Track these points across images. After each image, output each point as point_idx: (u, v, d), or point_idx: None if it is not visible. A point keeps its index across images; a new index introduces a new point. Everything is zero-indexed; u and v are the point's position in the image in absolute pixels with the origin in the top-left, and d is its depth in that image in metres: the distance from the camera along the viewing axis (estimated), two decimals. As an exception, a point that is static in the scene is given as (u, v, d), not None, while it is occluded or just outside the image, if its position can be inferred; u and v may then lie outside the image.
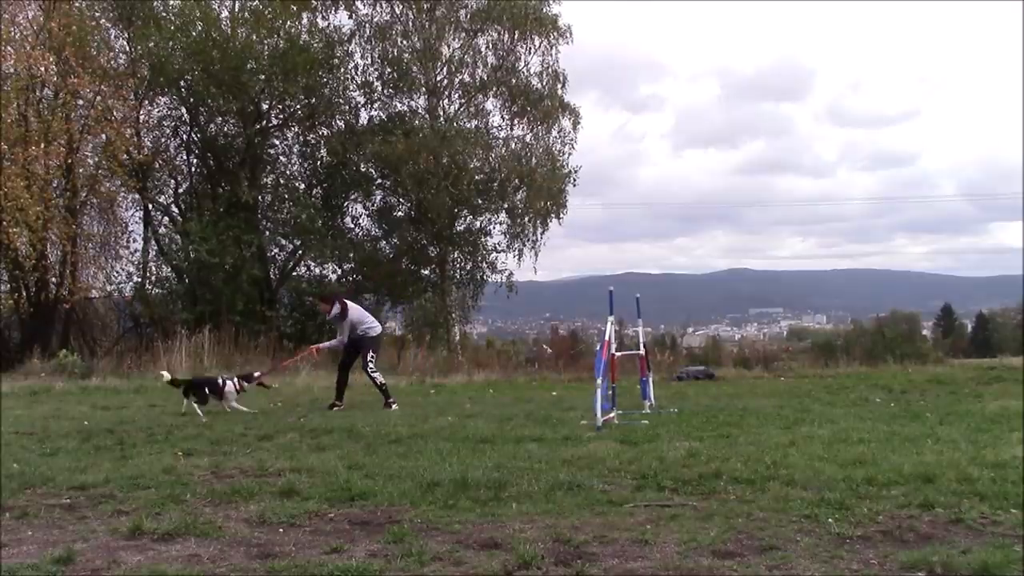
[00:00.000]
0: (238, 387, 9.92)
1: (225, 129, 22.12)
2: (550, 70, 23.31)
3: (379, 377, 10.47)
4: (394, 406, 10.14)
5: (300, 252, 22.77)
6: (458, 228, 23.23)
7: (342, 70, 22.20)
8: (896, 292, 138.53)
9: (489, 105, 23.77)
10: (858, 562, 3.63)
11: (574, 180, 23.34)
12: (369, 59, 22.89)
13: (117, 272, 21.42)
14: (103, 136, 19.25)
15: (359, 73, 22.77)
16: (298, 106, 21.93)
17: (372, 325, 10.69)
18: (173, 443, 7.15)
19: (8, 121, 17.55)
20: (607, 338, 9.10)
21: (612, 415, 8.61)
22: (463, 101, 23.75)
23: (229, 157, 21.86)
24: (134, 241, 21.58)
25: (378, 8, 23.10)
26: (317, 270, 23.11)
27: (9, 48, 18.06)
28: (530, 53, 23.24)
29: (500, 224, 23.53)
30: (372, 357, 10.48)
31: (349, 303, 10.70)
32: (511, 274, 23.89)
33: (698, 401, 10.98)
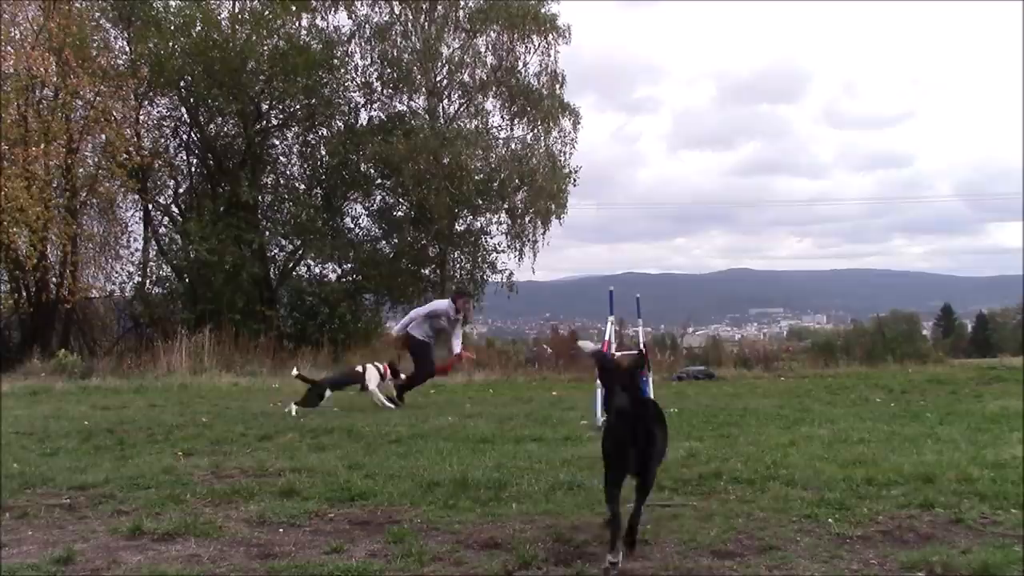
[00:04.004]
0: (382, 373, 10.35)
1: (225, 129, 22.15)
2: (549, 70, 23.43)
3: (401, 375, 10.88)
4: (396, 406, 10.25)
5: (300, 252, 22.79)
6: (458, 228, 23.24)
7: (342, 70, 22.23)
8: (896, 292, 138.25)
9: (489, 105, 23.84)
10: (858, 562, 3.63)
11: (574, 180, 23.42)
12: (369, 59, 22.99)
13: (117, 272, 21.47)
14: (103, 136, 19.24)
15: (359, 73, 22.87)
16: (298, 106, 21.94)
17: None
18: (173, 443, 7.14)
19: (8, 121, 17.54)
20: (607, 338, 9.10)
21: (612, 415, 8.59)
22: (463, 101, 23.77)
23: (229, 157, 21.89)
24: (134, 241, 21.64)
25: (377, 8, 23.18)
26: (317, 270, 23.19)
27: (9, 48, 18.04)
28: (529, 53, 23.36)
29: (500, 224, 23.59)
30: None
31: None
32: (511, 274, 23.95)
33: (698, 401, 10.98)
